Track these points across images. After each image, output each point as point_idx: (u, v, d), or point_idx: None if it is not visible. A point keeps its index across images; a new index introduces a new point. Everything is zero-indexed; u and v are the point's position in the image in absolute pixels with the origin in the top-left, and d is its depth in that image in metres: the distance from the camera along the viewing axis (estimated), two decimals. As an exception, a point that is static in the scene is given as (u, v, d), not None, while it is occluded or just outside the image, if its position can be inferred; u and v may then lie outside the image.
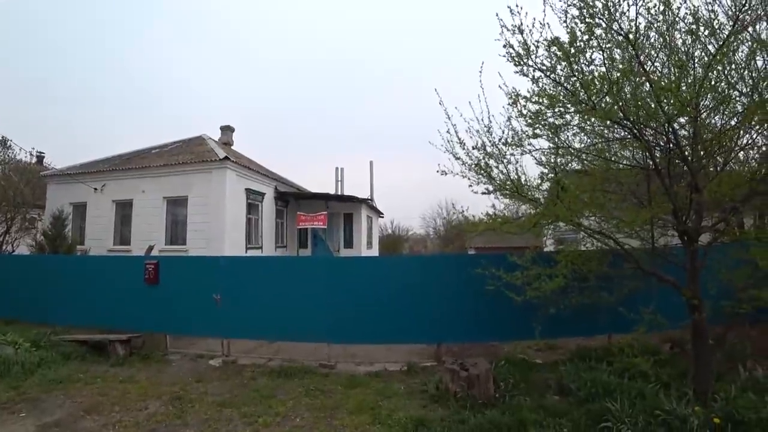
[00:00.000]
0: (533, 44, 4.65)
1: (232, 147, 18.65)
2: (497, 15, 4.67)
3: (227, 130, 19.49)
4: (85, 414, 4.94)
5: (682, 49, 4.60)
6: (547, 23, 4.56)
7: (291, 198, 18.26)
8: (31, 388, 5.69)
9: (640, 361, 4.58)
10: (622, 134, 5.44)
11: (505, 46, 4.76)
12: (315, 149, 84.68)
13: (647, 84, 4.47)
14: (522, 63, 4.77)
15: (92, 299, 8.33)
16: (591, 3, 4.44)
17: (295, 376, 6.21)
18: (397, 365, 6.71)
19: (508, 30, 4.69)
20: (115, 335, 7.47)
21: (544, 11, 4.51)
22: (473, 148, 5.40)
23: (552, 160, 5.65)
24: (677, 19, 4.52)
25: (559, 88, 4.86)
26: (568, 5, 4.57)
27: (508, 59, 4.82)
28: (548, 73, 4.81)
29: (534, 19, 4.54)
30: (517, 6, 4.49)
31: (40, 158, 20.50)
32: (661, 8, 4.43)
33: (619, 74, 4.46)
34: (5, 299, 9.31)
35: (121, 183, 14.55)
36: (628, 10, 4.41)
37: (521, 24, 4.59)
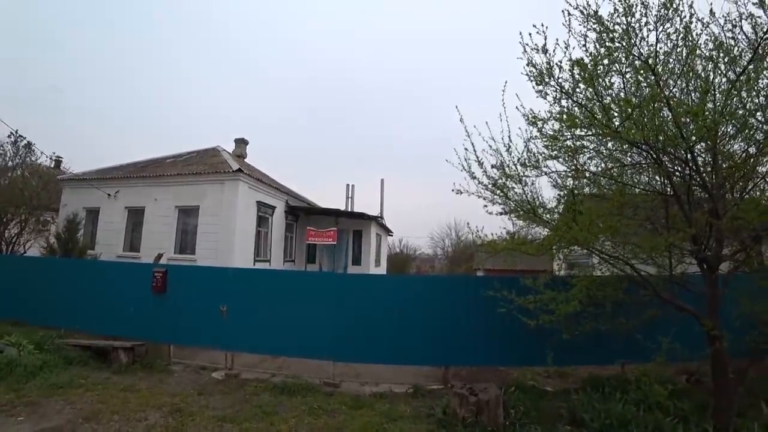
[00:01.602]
0: (556, 65, 4.65)
1: (245, 160, 18.84)
2: (520, 34, 4.69)
3: (241, 143, 19.72)
4: (84, 422, 4.85)
5: (702, 75, 4.57)
6: (569, 44, 4.58)
7: (301, 213, 18.29)
8: (32, 391, 5.62)
9: (660, 390, 4.39)
10: (638, 159, 5.38)
11: (528, 65, 4.76)
12: (326, 166, 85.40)
13: (667, 109, 4.43)
14: (543, 82, 4.77)
15: (98, 304, 8.31)
16: (611, 28, 4.46)
17: (298, 394, 6.07)
18: (403, 387, 6.54)
19: (530, 49, 4.70)
20: (119, 342, 7.41)
21: (568, 32, 4.52)
22: (492, 167, 5.36)
23: (569, 183, 5.60)
24: (697, 45, 4.50)
25: (579, 110, 4.84)
26: (588, 29, 4.60)
27: (529, 78, 4.82)
28: (569, 95, 4.80)
29: (557, 39, 4.56)
30: (542, 25, 4.51)
31: (57, 162, 20.85)
32: (682, 34, 4.43)
33: (641, 99, 4.44)
34: (13, 300, 9.34)
35: (135, 190, 14.69)
36: (647, 35, 4.42)
37: (545, 44, 4.60)
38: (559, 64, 4.62)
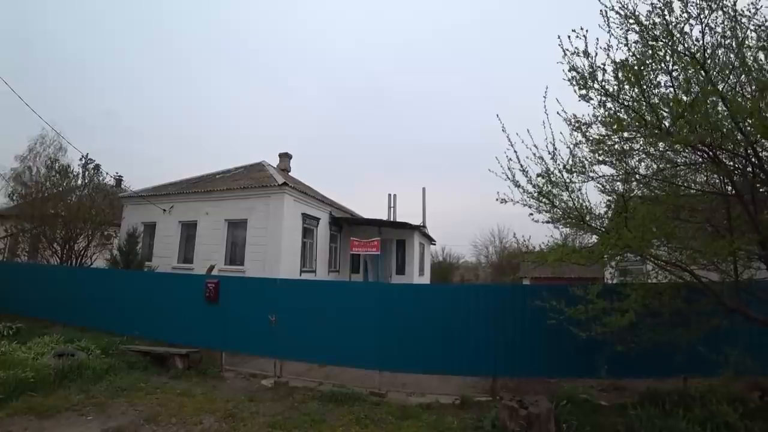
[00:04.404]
0: (598, 67, 4.53)
1: (289, 173, 19.41)
2: (558, 38, 4.62)
3: (285, 157, 20.34)
4: (145, 423, 5.16)
5: (755, 66, 4.30)
6: (611, 45, 4.47)
7: (344, 223, 18.56)
8: (99, 393, 6.05)
9: (729, 411, 4.05)
10: (694, 158, 5.09)
11: (569, 70, 4.66)
12: (366, 175, 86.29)
13: (722, 104, 4.19)
14: (586, 86, 4.64)
15: (156, 313, 8.84)
16: (650, 26, 4.29)
17: (346, 403, 6.12)
18: (449, 398, 6.45)
19: (571, 53, 4.60)
20: (176, 349, 7.83)
21: (608, 32, 4.40)
22: (537, 176, 5.22)
23: (618, 188, 5.38)
24: (749, 33, 4.25)
25: (625, 112, 4.67)
26: (628, 29, 4.45)
27: (571, 83, 4.71)
28: (614, 97, 4.65)
29: (597, 38, 4.45)
30: (581, 29, 4.41)
31: (118, 181, 22.32)
32: (729, 25, 4.19)
33: (692, 97, 4.23)
34: (81, 308, 10.14)
35: (187, 205, 15.47)
36: (691, 30, 4.22)
37: (586, 47, 4.49)
38: (602, 66, 4.50)
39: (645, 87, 4.41)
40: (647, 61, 4.36)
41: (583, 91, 4.77)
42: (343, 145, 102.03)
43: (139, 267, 13.31)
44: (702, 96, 4.02)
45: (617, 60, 4.46)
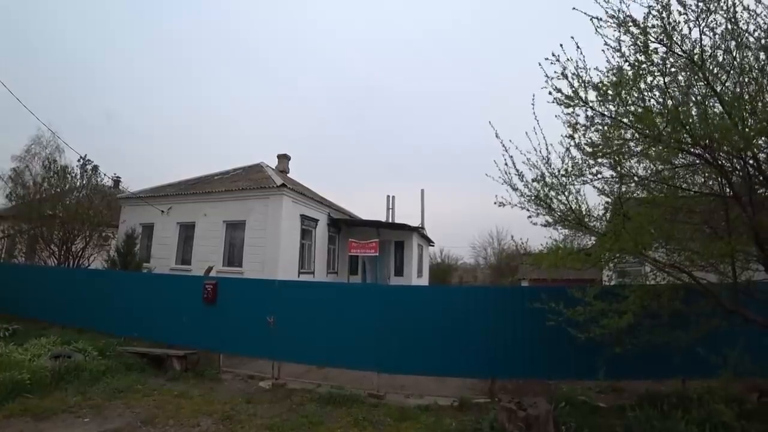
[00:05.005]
0: (581, 86, 4.60)
1: (288, 174, 19.38)
2: (553, 56, 4.67)
3: (284, 158, 20.30)
4: (142, 425, 5.13)
5: (756, 66, 4.31)
6: (587, 67, 4.59)
7: (343, 225, 18.53)
8: (96, 395, 6.03)
9: (725, 411, 4.05)
10: (691, 159, 5.10)
11: (550, 93, 4.73)
12: (364, 177, 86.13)
13: (719, 105, 4.20)
14: (572, 105, 4.69)
15: (154, 314, 8.83)
16: (647, 30, 4.30)
17: (344, 405, 6.10)
18: (448, 400, 6.43)
19: (551, 78, 4.73)
20: (173, 351, 7.80)
21: (580, 48, 4.43)
22: (533, 181, 5.24)
23: (615, 190, 5.38)
24: (747, 35, 4.26)
25: (617, 120, 4.68)
26: (622, 33, 4.45)
27: (557, 103, 4.77)
28: (602, 111, 4.68)
29: (583, 56, 4.55)
30: (553, 55, 4.57)
31: (116, 182, 22.27)
32: (729, 27, 4.20)
33: (684, 98, 4.24)
34: (79, 309, 10.11)
35: (186, 206, 15.42)
36: (690, 32, 4.23)
37: (564, 70, 4.60)
38: (583, 85, 4.55)
39: (629, 98, 4.46)
40: (639, 67, 4.39)
41: (570, 110, 4.83)
42: (342, 146, 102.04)
43: (137, 268, 13.29)
44: (697, 98, 4.03)
45: (597, 82, 4.57)
